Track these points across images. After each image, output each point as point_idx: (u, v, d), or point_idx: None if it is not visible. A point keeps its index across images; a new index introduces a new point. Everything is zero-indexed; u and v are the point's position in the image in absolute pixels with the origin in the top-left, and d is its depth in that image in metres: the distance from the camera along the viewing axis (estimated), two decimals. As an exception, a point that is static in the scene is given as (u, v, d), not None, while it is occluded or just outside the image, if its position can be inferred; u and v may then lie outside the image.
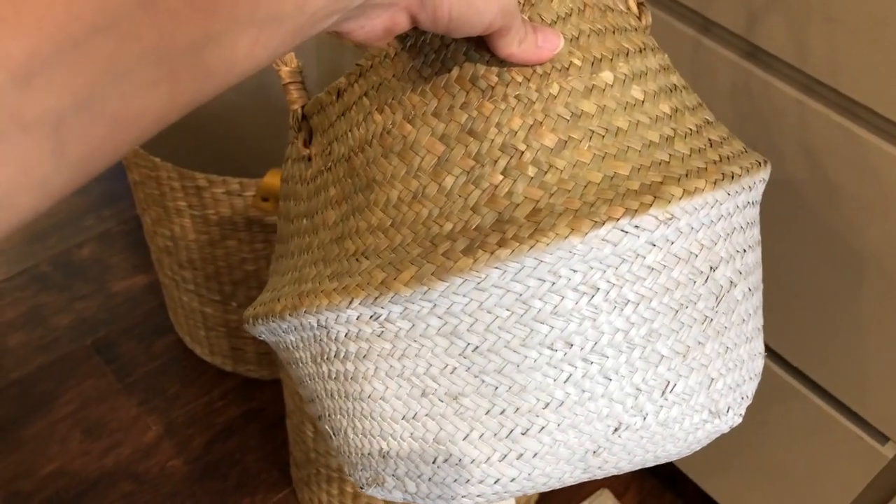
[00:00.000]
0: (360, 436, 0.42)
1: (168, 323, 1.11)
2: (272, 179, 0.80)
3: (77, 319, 1.11)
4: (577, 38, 0.38)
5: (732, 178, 0.39)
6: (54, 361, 1.06)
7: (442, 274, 0.36)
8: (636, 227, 0.36)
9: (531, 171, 0.36)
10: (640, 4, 0.44)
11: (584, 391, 0.38)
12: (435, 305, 0.37)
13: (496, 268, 0.35)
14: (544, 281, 0.36)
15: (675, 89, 0.41)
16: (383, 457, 0.42)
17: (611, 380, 0.38)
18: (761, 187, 0.43)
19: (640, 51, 0.40)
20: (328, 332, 0.40)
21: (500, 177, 0.37)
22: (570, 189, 0.36)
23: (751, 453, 0.80)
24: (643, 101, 0.39)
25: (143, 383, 1.04)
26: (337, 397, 0.42)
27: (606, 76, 0.38)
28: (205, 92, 0.24)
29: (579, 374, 0.38)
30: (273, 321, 0.43)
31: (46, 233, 1.21)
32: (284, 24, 0.25)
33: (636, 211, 0.35)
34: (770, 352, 0.73)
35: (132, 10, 0.21)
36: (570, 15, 0.39)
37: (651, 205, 0.36)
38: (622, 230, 0.36)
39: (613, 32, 0.40)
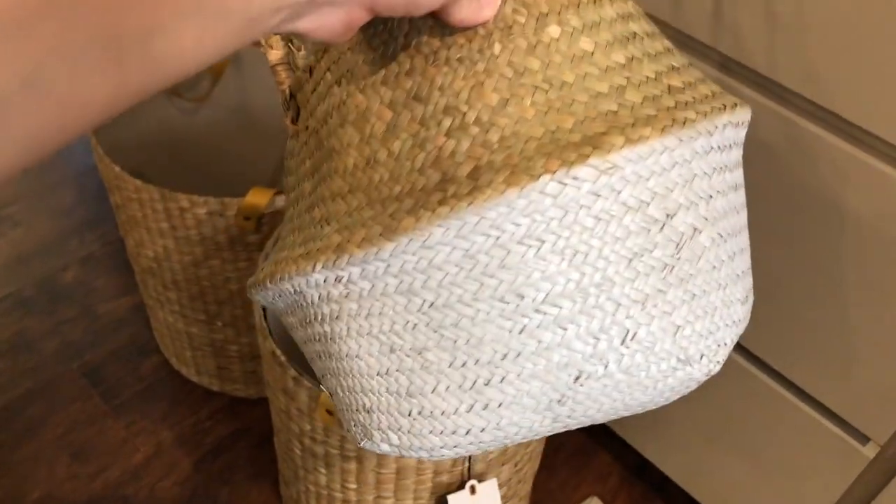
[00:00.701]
0: (346, 393, 0.44)
1: (154, 344, 1.11)
2: (254, 198, 0.81)
3: (62, 343, 1.11)
4: None
5: (685, 123, 0.38)
6: (40, 386, 1.06)
7: (389, 234, 0.37)
8: (574, 178, 0.36)
9: (473, 130, 0.37)
10: None
11: (539, 341, 0.39)
12: (388, 265, 0.38)
13: (439, 226, 0.37)
14: (488, 236, 0.37)
15: (635, 37, 0.41)
16: (367, 412, 0.44)
17: (566, 329, 0.39)
18: (731, 132, 0.42)
19: (595, 0, 0.40)
20: (304, 297, 0.42)
21: (444, 138, 0.38)
22: (511, 146, 0.37)
23: (732, 455, 0.80)
24: (592, 53, 0.39)
25: (130, 405, 1.04)
26: (324, 358, 0.45)
27: (552, 30, 0.39)
28: (154, 81, 0.25)
29: (533, 324, 0.39)
30: (261, 290, 0.46)
31: (30, 256, 1.21)
32: (231, 18, 0.25)
33: (573, 162, 0.36)
34: (750, 355, 0.74)
35: None
36: None
37: (589, 156, 0.36)
38: (560, 182, 0.36)
39: None
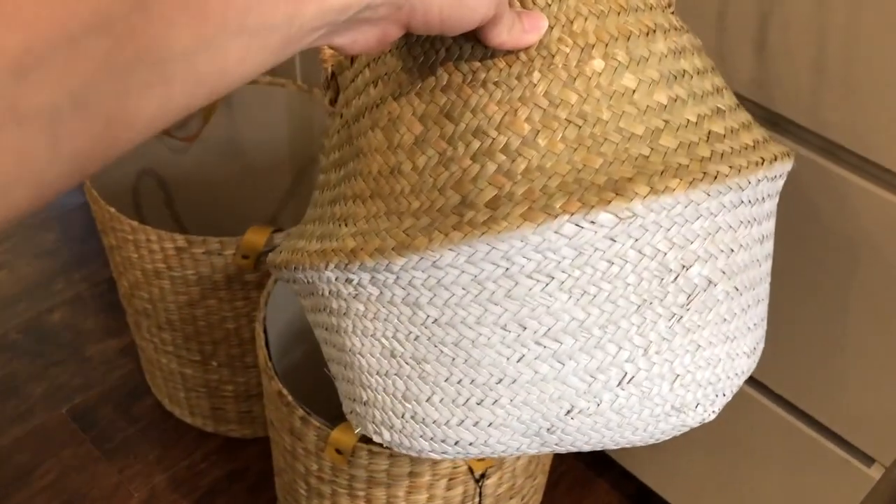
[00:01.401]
0: (347, 383, 0.46)
1: (145, 386, 1.09)
2: (252, 237, 0.81)
3: (51, 387, 1.08)
4: (572, 23, 0.38)
5: (716, 177, 0.37)
6: (29, 432, 1.03)
7: (401, 250, 0.37)
8: (592, 222, 0.36)
9: (500, 157, 0.37)
10: None
11: (536, 372, 0.39)
12: (398, 277, 0.39)
13: (450, 249, 0.36)
14: (498, 266, 0.37)
15: (683, 75, 0.40)
16: (364, 405, 0.45)
17: (564, 364, 0.39)
18: (766, 185, 0.41)
19: (648, 33, 0.39)
20: (315, 287, 0.43)
21: (470, 161, 0.37)
22: (534, 179, 0.37)
23: (737, 481, 0.81)
24: (635, 91, 0.38)
25: (122, 449, 1.02)
26: (330, 346, 0.46)
27: (596, 64, 0.38)
28: (197, 98, 0.25)
29: (532, 355, 0.39)
30: (276, 270, 0.47)
31: (15, 299, 1.19)
32: (274, 34, 0.26)
33: (593, 206, 0.35)
34: (752, 379, 0.74)
35: (127, 12, 0.22)
36: None
37: (610, 201, 0.35)
38: (577, 224, 0.36)
39: (619, 13, 0.39)
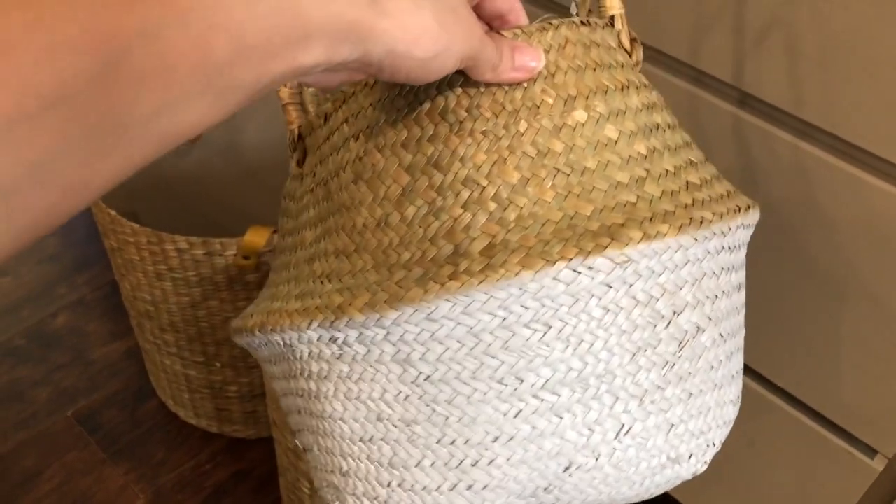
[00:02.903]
0: (324, 453, 0.44)
1: (150, 388, 1.09)
2: (253, 237, 0.81)
3: (56, 391, 1.09)
4: (553, 76, 0.38)
5: (701, 223, 0.38)
6: (35, 436, 1.04)
7: (394, 303, 0.36)
8: (589, 268, 0.36)
9: (491, 206, 0.37)
10: (632, 41, 0.43)
11: (534, 427, 0.39)
12: (388, 332, 0.37)
13: (446, 300, 0.36)
14: (495, 316, 0.36)
15: (657, 128, 0.41)
16: (343, 475, 0.43)
17: (562, 418, 0.39)
18: (742, 233, 0.42)
19: (622, 88, 0.40)
20: (293, 351, 0.41)
21: (461, 210, 0.37)
22: (528, 227, 0.36)
23: (739, 474, 0.81)
24: (616, 141, 0.39)
25: (128, 451, 1.03)
26: (304, 414, 0.44)
27: (579, 115, 0.38)
28: (157, 153, 0.24)
29: (529, 410, 0.38)
30: (247, 336, 0.44)
31: (18, 304, 1.19)
32: (239, 91, 0.25)
33: (590, 252, 0.35)
34: (753, 373, 0.74)
35: (87, 86, 0.21)
36: (549, 52, 0.39)
37: (606, 247, 0.36)
38: (575, 270, 0.36)
39: (595, 70, 0.40)
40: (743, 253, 0.44)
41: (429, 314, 0.36)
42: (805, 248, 0.64)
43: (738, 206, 0.41)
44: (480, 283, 0.35)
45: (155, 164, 1.01)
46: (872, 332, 0.63)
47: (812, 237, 0.63)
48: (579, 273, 0.36)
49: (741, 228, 0.42)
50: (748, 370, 0.74)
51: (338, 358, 0.39)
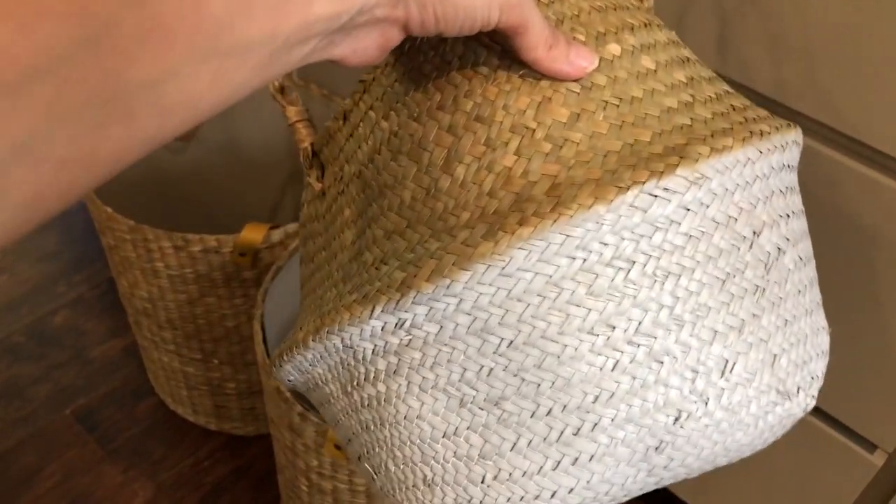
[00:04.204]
0: (401, 467, 0.39)
1: (148, 385, 1.09)
2: (249, 234, 0.80)
3: (55, 389, 1.09)
4: (578, 16, 0.37)
5: (762, 135, 0.37)
6: (34, 434, 1.04)
7: (463, 263, 0.33)
8: (665, 189, 0.33)
9: (546, 147, 0.35)
10: None
11: (634, 378, 0.35)
12: (461, 300, 0.34)
13: (520, 248, 0.33)
14: (574, 258, 0.33)
15: (688, 61, 0.40)
16: (428, 485, 0.39)
17: (662, 363, 0.35)
18: (795, 151, 0.41)
19: (646, 25, 0.39)
20: (354, 353, 0.38)
21: (514, 157, 0.35)
22: (590, 160, 0.34)
23: (740, 469, 0.80)
24: (656, 71, 0.38)
25: (127, 449, 1.03)
26: (372, 428, 0.40)
27: (613, 48, 0.37)
28: (167, 129, 0.23)
29: (626, 359, 0.35)
30: (298, 353, 0.41)
31: (17, 303, 1.19)
32: (252, 54, 0.23)
33: (662, 173, 0.33)
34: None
35: (74, 52, 0.20)
36: None
37: (678, 165, 0.34)
38: (650, 194, 0.33)
39: (615, 9, 0.39)
40: (796, 175, 0.43)
41: (503, 269, 0.33)
42: (804, 242, 0.63)
43: (787, 122, 0.40)
44: (554, 222, 0.33)
45: (152, 162, 1.01)
46: (872, 326, 0.62)
47: (813, 232, 0.62)
48: (656, 197, 0.33)
49: (794, 145, 0.40)
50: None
51: (407, 345, 0.36)
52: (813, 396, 0.41)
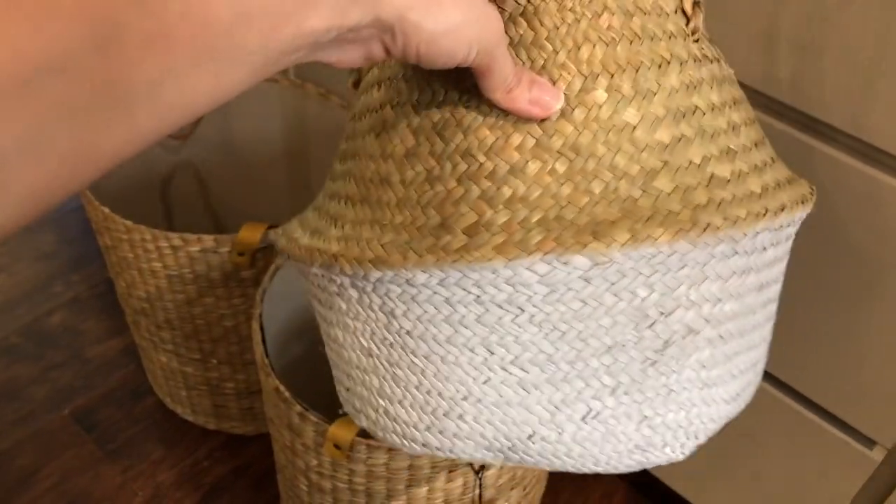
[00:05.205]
0: (336, 371, 0.47)
1: (147, 385, 1.09)
2: (247, 234, 0.80)
3: (52, 389, 1.09)
4: (579, 48, 0.36)
5: (706, 228, 0.35)
6: (32, 434, 1.03)
7: (377, 264, 0.37)
8: (565, 263, 0.34)
9: (485, 184, 0.36)
10: (694, 4, 0.39)
11: (500, 395, 0.39)
12: (375, 287, 0.39)
13: (423, 271, 0.36)
14: (469, 292, 0.36)
15: (694, 112, 0.38)
16: (347, 390, 0.47)
17: (529, 392, 0.39)
18: (767, 236, 0.39)
19: (661, 65, 0.37)
20: (306, 276, 0.45)
21: (455, 183, 0.36)
22: (516, 210, 0.35)
23: (740, 467, 0.80)
24: (635, 127, 0.36)
25: (125, 449, 1.02)
26: (325, 336, 0.47)
27: (598, 95, 0.36)
28: (164, 126, 0.24)
29: (497, 379, 0.39)
30: (289, 259, 0.47)
31: (14, 303, 1.19)
32: (248, 59, 0.25)
33: (568, 248, 0.34)
34: (752, 366, 0.74)
35: (83, 52, 0.21)
36: (579, 21, 0.36)
37: (587, 245, 0.34)
38: (549, 264, 0.34)
39: (631, 42, 0.37)
40: (777, 251, 0.41)
41: (408, 280, 0.37)
42: (802, 239, 0.63)
43: (764, 208, 0.37)
44: (455, 262, 0.35)
45: (148, 161, 1.01)
46: (871, 323, 0.62)
47: (810, 228, 0.62)
48: (555, 267, 0.35)
49: (765, 233, 0.38)
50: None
51: (337, 295, 0.41)
52: (683, 453, 0.43)
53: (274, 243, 0.50)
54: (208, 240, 0.81)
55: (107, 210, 0.82)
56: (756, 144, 0.41)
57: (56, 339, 1.15)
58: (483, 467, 0.68)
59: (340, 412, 0.50)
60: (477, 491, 0.71)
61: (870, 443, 0.68)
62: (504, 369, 0.39)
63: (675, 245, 0.35)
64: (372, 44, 0.30)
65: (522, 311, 0.36)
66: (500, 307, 0.37)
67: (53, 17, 0.20)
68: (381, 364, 0.42)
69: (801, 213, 0.41)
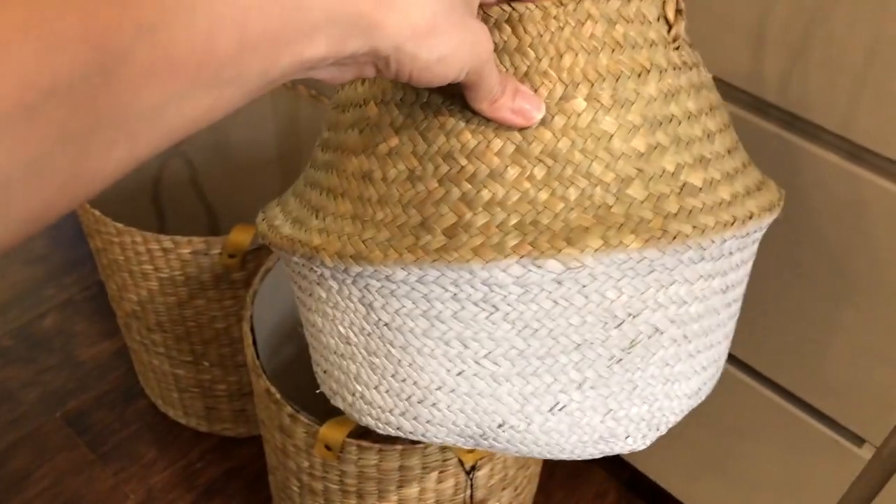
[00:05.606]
0: (314, 353, 0.48)
1: (138, 388, 1.09)
2: (238, 236, 0.80)
3: (45, 392, 1.08)
4: (562, 56, 0.37)
5: (675, 237, 0.36)
6: (24, 437, 1.03)
7: (358, 259, 0.38)
8: (539, 267, 0.36)
9: (465, 186, 0.37)
10: (677, 12, 0.40)
11: (473, 387, 0.41)
12: (354, 280, 0.40)
13: (402, 269, 0.37)
14: (446, 290, 0.38)
15: (670, 121, 0.38)
16: (324, 373, 0.48)
17: (500, 385, 0.41)
18: (734, 242, 0.40)
19: (640, 73, 0.38)
20: (290, 265, 0.45)
21: (436, 184, 0.38)
22: (494, 214, 0.36)
23: (730, 466, 0.81)
24: (612, 136, 0.37)
25: (117, 452, 1.02)
26: (304, 320, 0.48)
27: (577, 104, 0.37)
28: (162, 146, 0.24)
29: (470, 371, 0.41)
30: (270, 245, 0.48)
31: (6, 306, 1.19)
32: (248, 84, 0.25)
33: (543, 252, 0.35)
34: (739, 362, 0.74)
35: (89, 77, 0.21)
36: (563, 29, 0.37)
37: (561, 250, 0.35)
38: (524, 266, 0.36)
39: (613, 50, 0.37)
40: (743, 255, 0.42)
41: (387, 276, 0.38)
42: (790, 238, 0.64)
43: (733, 217, 0.39)
44: (434, 261, 0.37)
45: (140, 164, 1.01)
46: (858, 320, 0.63)
47: (796, 226, 0.62)
48: (529, 270, 0.36)
49: (732, 240, 0.40)
50: (737, 361, 0.74)
51: (317, 284, 0.42)
52: (645, 443, 0.45)
53: (261, 221, 0.50)
54: (199, 242, 0.81)
55: (98, 213, 0.82)
56: (729, 151, 0.42)
57: (48, 342, 1.15)
58: (474, 468, 0.68)
59: (317, 392, 0.51)
60: (468, 491, 0.71)
61: (859, 440, 0.68)
62: (477, 363, 0.40)
63: (645, 252, 0.36)
64: (365, 67, 0.30)
65: (497, 309, 0.38)
66: (476, 305, 0.38)
67: (60, 45, 0.20)
68: (359, 352, 0.43)
69: (769, 220, 0.42)
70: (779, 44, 0.56)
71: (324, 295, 0.43)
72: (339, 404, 0.48)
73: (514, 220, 0.36)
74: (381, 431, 0.46)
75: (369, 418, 0.46)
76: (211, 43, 0.23)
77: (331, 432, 0.64)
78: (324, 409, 0.66)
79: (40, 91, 0.20)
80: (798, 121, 0.59)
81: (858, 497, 0.71)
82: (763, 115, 0.60)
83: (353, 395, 0.46)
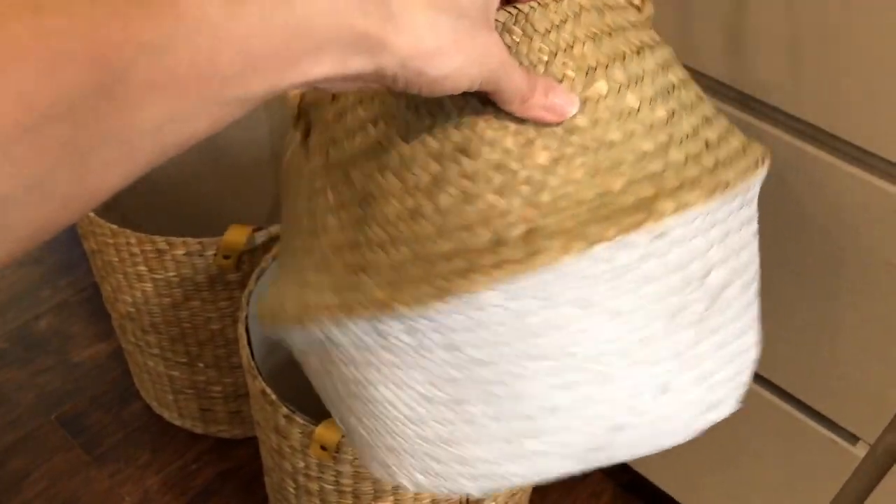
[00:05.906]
0: (368, 433, 0.43)
1: (134, 389, 1.09)
2: (233, 236, 0.80)
3: (40, 394, 1.08)
4: (572, 47, 0.38)
5: (727, 186, 0.38)
6: (20, 439, 1.03)
7: (441, 295, 0.36)
8: (627, 244, 0.36)
9: (525, 190, 0.36)
10: None
11: (583, 397, 0.39)
12: (436, 324, 0.37)
13: (491, 289, 0.35)
14: (537, 299, 0.36)
15: (673, 89, 0.41)
16: (393, 452, 0.43)
17: (608, 385, 0.39)
18: (758, 185, 0.43)
19: (638, 51, 0.40)
20: (331, 341, 0.40)
21: (495, 196, 0.36)
22: (564, 208, 0.36)
23: (725, 465, 0.81)
24: (638, 109, 0.38)
25: (113, 453, 1.02)
26: (345, 397, 0.43)
27: (600, 87, 0.38)
28: (163, 158, 0.24)
29: (577, 380, 0.39)
30: (279, 328, 0.44)
31: (1, 308, 1.19)
32: (251, 101, 0.25)
33: (628, 229, 0.35)
34: (737, 364, 0.74)
35: (90, 96, 0.21)
36: (566, 22, 0.38)
37: (643, 222, 0.36)
38: (614, 248, 0.36)
39: (610, 34, 0.39)
40: (756, 201, 0.44)
41: (475, 304, 0.36)
42: (785, 236, 0.64)
43: (756, 160, 0.41)
44: (525, 270, 0.35)
45: (134, 165, 1.01)
46: (852, 319, 0.63)
47: (790, 226, 0.63)
48: (618, 251, 0.36)
49: (758, 183, 0.42)
50: (730, 360, 0.74)
51: (382, 347, 0.39)
52: (738, 402, 0.45)
53: (265, 319, 0.46)
54: (193, 243, 0.81)
55: (92, 214, 0.82)
56: (718, 111, 0.44)
57: (43, 344, 1.14)
58: (469, 467, 0.68)
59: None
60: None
61: (853, 439, 0.68)
62: (582, 368, 0.38)
63: (709, 205, 0.37)
64: (371, 83, 0.30)
65: (592, 303, 0.37)
66: (571, 304, 0.37)
67: (63, 64, 0.20)
68: (445, 406, 0.40)
69: (769, 164, 0.44)
70: (773, 43, 0.56)
71: (392, 359, 0.39)
72: (421, 481, 0.43)
73: (584, 209, 0.36)
74: (484, 493, 0.43)
75: (464, 480, 0.42)
76: (214, 63, 0.23)
77: (326, 433, 0.64)
78: (319, 411, 0.66)
79: (42, 111, 0.20)
80: (793, 120, 0.59)
81: (852, 495, 0.71)
82: (755, 114, 0.61)
83: (442, 461, 0.41)
